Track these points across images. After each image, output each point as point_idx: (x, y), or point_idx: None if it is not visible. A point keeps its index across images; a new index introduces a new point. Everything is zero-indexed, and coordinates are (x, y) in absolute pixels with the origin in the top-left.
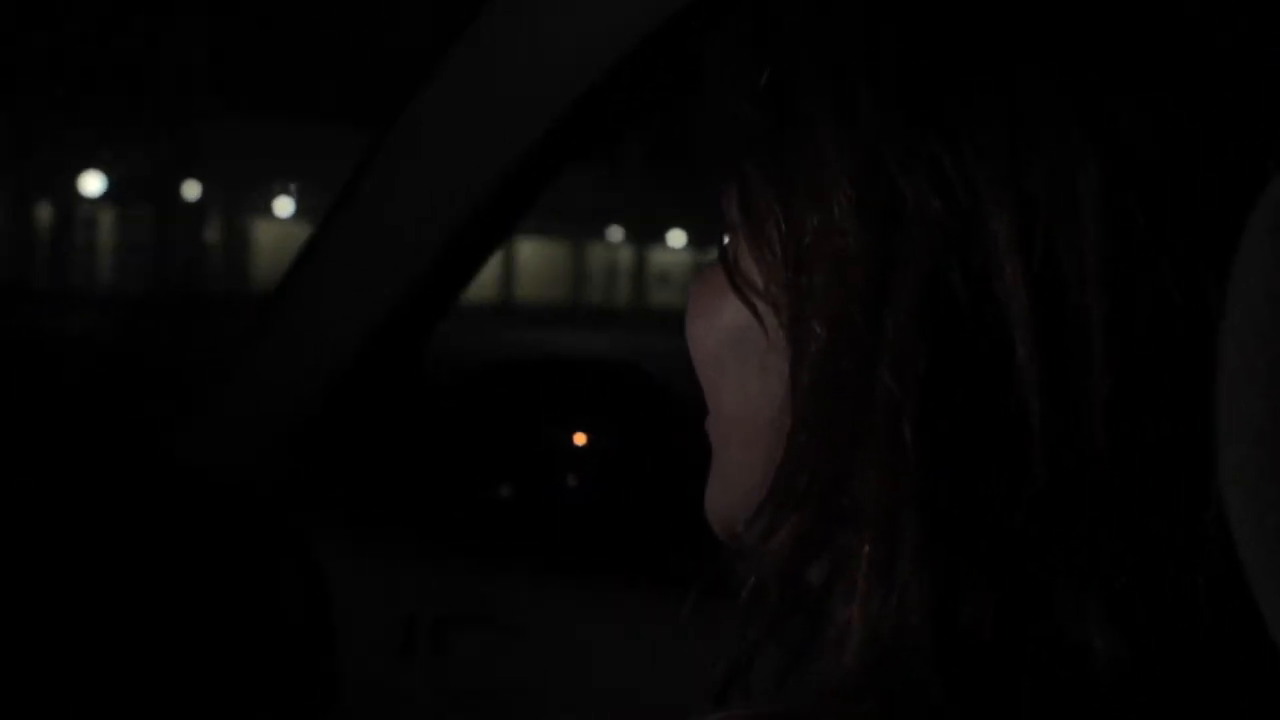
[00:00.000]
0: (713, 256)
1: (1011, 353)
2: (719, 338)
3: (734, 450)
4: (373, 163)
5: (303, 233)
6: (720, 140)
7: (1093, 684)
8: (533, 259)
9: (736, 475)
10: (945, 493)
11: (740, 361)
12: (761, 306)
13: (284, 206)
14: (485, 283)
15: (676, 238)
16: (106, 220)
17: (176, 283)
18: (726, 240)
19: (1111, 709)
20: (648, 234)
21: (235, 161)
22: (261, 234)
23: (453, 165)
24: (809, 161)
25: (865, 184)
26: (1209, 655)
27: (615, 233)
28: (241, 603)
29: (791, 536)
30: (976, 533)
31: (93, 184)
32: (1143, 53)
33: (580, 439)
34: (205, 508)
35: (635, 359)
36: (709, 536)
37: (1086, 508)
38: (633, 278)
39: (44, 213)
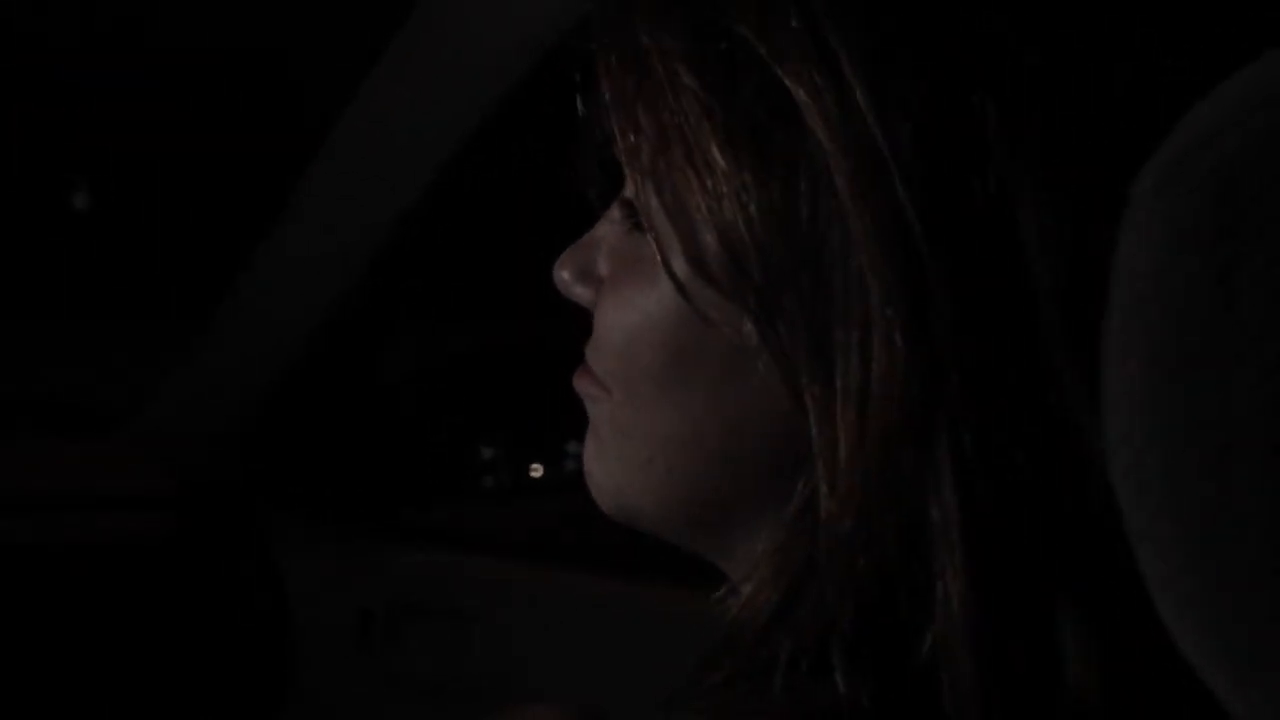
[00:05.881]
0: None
1: (1059, 374)
2: (659, 352)
3: (659, 467)
4: (319, 163)
5: None
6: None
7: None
8: None
9: (656, 488)
10: (1016, 525)
11: (688, 380)
12: (728, 319)
13: None
14: None
15: None
16: None
17: None
18: (661, 233)
19: None
20: None
21: None
22: None
23: (393, 158)
24: (809, 169)
25: (889, 206)
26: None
27: None
28: (196, 595)
29: (834, 577)
30: (1041, 561)
31: None
32: (1156, 41)
33: (537, 471)
34: (160, 499)
35: None
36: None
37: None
38: None
39: None
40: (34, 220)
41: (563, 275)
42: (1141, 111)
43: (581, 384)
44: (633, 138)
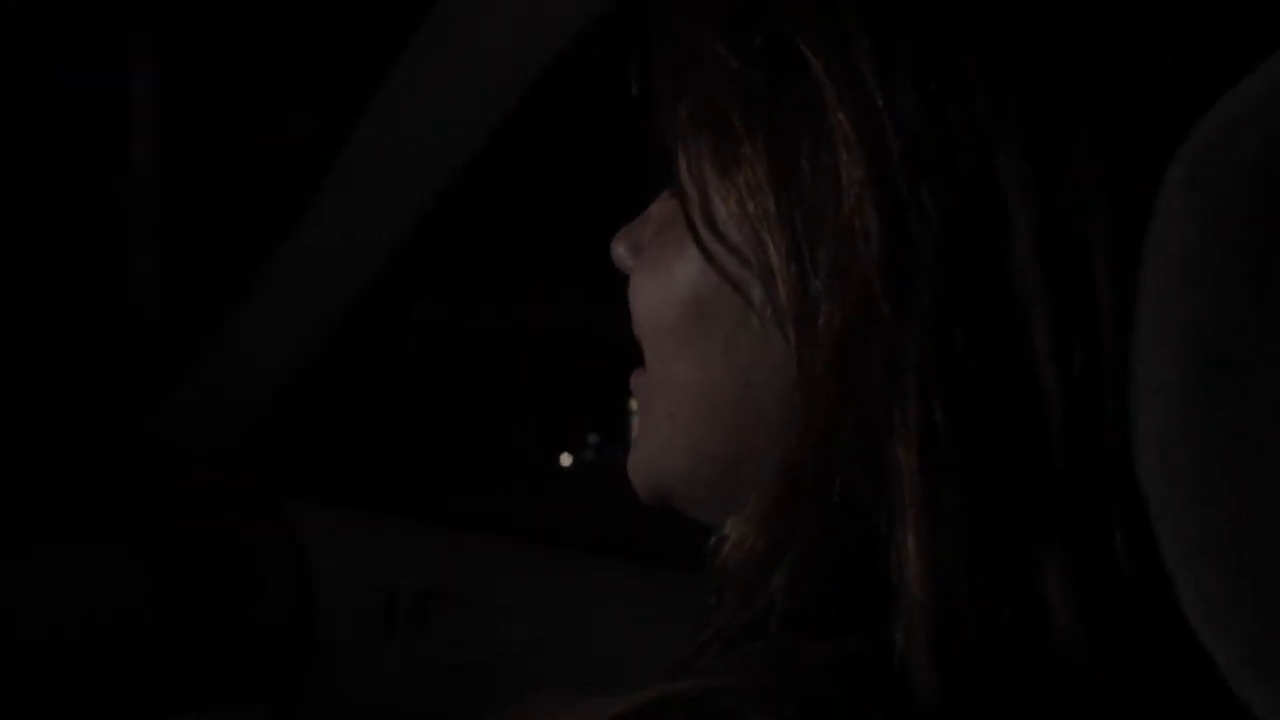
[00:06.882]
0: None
1: (1027, 328)
2: (680, 310)
3: (681, 421)
4: (345, 152)
5: None
6: (675, 91)
7: (1056, 669)
8: None
9: (679, 445)
10: (978, 475)
11: (704, 335)
12: (739, 274)
13: None
14: None
15: None
16: None
17: None
18: (688, 195)
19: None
20: None
21: None
22: None
23: (419, 149)
24: (813, 126)
25: (879, 153)
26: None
27: None
28: (221, 577)
29: (811, 524)
30: (1005, 512)
31: None
32: (1147, 12)
33: (566, 459)
34: (184, 483)
35: None
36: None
37: (1100, 490)
38: None
39: None
40: (36, 217)
41: (618, 250)
42: (1124, 78)
43: (634, 377)
44: (672, 108)
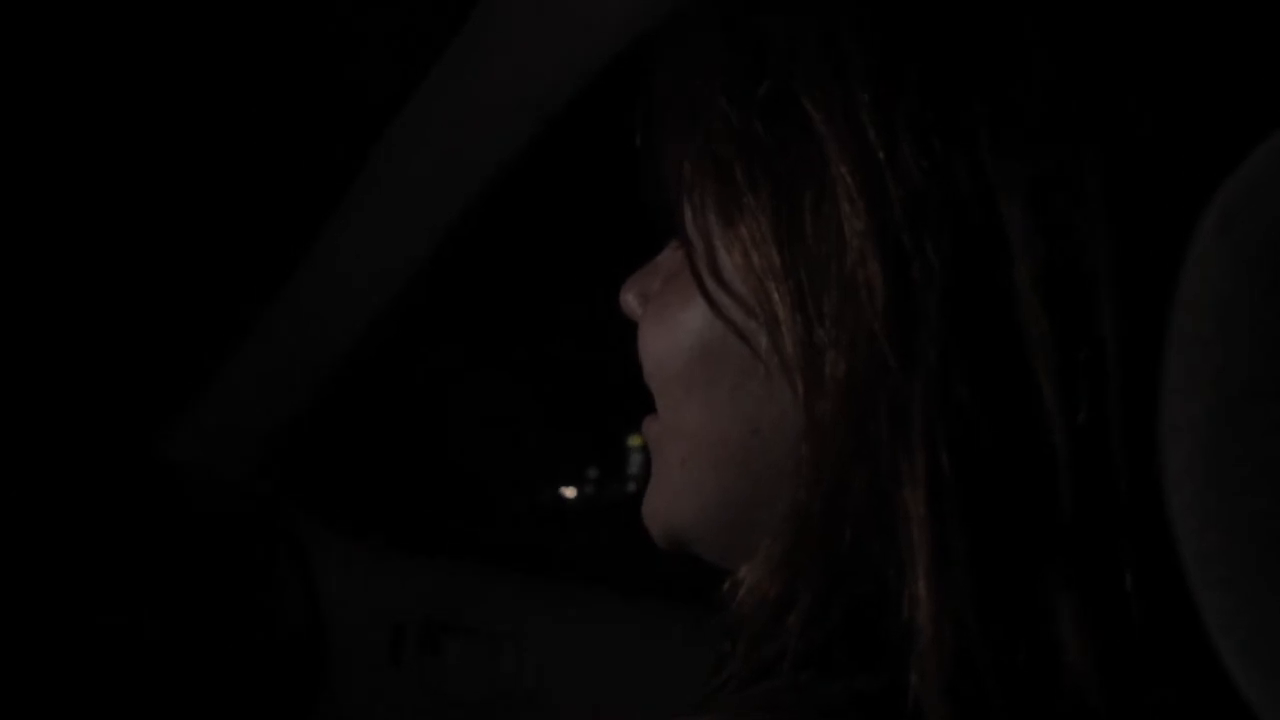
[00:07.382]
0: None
1: (1033, 376)
2: (687, 356)
3: (692, 468)
4: (361, 176)
5: None
6: (678, 149)
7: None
8: None
9: (691, 491)
10: (986, 520)
11: (711, 383)
12: (745, 323)
13: None
14: None
15: None
16: None
17: None
18: (694, 246)
19: None
20: None
21: None
22: None
23: (434, 179)
24: (816, 178)
25: (881, 205)
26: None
27: None
28: (232, 605)
29: (822, 569)
30: (1015, 555)
31: None
32: (1154, 55)
33: (570, 492)
34: (196, 510)
35: None
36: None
37: (1110, 531)
38: None
39: None
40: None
41: (627, 298)
42: (1128, 124)
43: (646, 423)
44: (677, 160)
